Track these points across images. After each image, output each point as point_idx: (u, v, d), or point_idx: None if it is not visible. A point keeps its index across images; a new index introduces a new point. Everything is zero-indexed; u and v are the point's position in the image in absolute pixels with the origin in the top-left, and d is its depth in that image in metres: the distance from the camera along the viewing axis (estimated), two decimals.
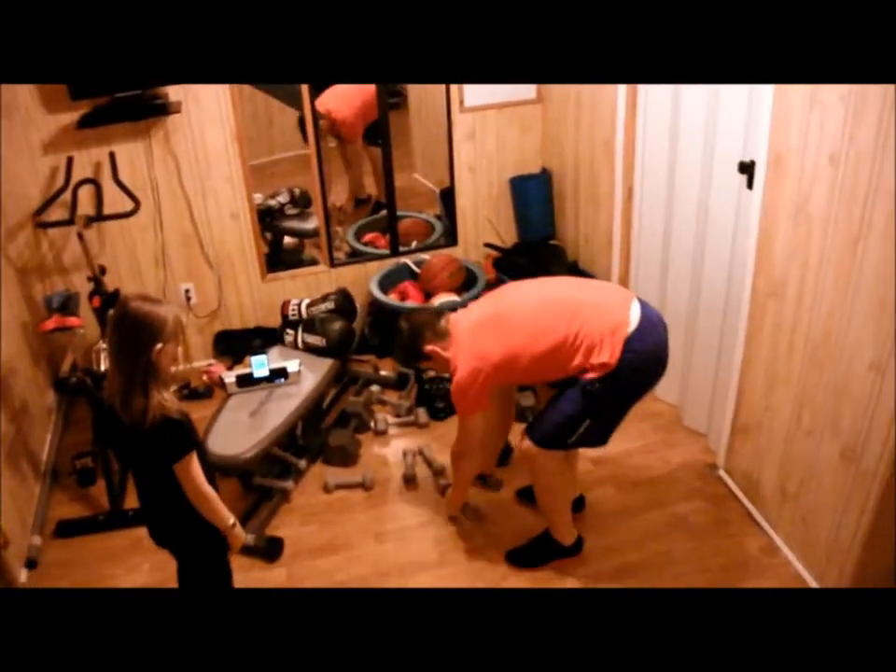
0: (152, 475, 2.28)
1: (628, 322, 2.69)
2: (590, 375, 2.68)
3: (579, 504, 3.36)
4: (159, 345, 2.07)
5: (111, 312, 2.19)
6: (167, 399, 2.12)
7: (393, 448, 3.93)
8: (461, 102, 4.59)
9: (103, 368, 3.46)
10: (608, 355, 2.65)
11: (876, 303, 2.40)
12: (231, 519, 2.34)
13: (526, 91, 4.69)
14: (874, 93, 2.26)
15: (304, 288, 4.68)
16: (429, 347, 2.94)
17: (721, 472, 3.52)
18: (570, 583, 3.06)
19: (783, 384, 2.97)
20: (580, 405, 2.73)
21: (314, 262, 4.86)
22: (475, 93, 4.59)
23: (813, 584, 2.93)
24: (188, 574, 2.53)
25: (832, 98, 2.44)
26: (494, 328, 2.82)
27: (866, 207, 2.38)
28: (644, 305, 2.77)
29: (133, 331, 2.06)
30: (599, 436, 2.89)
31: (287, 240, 5.01)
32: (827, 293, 2.63)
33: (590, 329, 2.67)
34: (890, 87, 2.18)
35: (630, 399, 2.83)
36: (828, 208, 2.56)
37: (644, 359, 2.72)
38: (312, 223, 4.79)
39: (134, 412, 2.07)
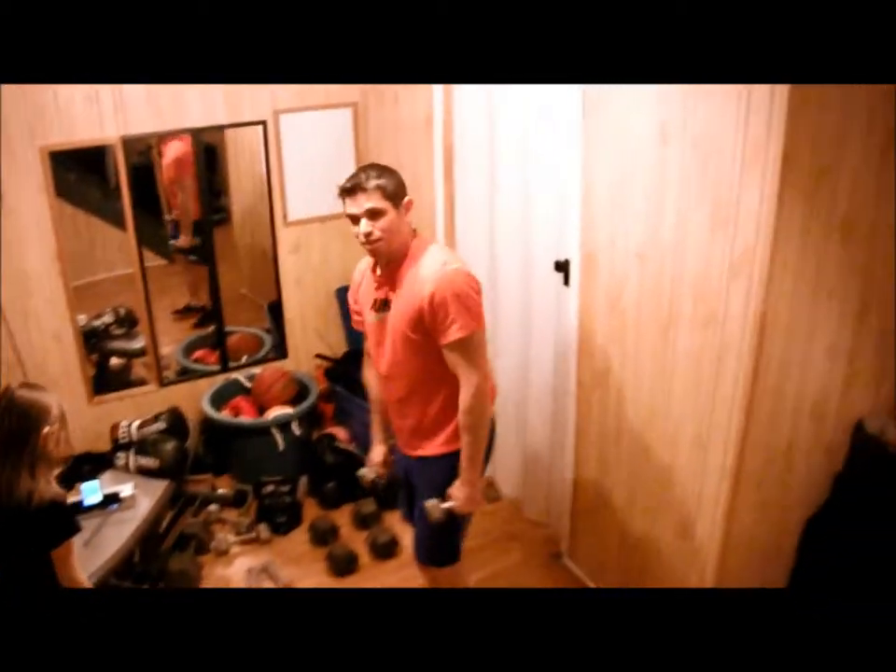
0: (25, 562, 2.29)
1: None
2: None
3: None
4: (46, 429, 2.23)
5: None
6: (52, 483, 2.26)
7: (236, 567, 3.81)
8: (285, 216, 4.66)
9: None
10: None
11: (691, 384, 2.60)
12: None
13: None
14: (671, 194, 2.49)
15: (134, 409, 4.53)
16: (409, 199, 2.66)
17: (566, 560, 3.61)
18: None
19: (615, 467, 3.12)
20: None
21: (142, 382, 4.73)
22: (298, 207, 4.67)
23: None
24: None
25: (634, 201, 2.67)
26: None
27: (673, 297, 2.59)
28: None
29: (21, 417, 2.21)
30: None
31: (114, 360, 4.86)
32: (646, 379, 2.82)
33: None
34: (687, 186, 2.41)
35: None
36: (639, 300, 2.76)
37: None
38: (139, 342, 4.68)
39: (20, 494, 2.18)
